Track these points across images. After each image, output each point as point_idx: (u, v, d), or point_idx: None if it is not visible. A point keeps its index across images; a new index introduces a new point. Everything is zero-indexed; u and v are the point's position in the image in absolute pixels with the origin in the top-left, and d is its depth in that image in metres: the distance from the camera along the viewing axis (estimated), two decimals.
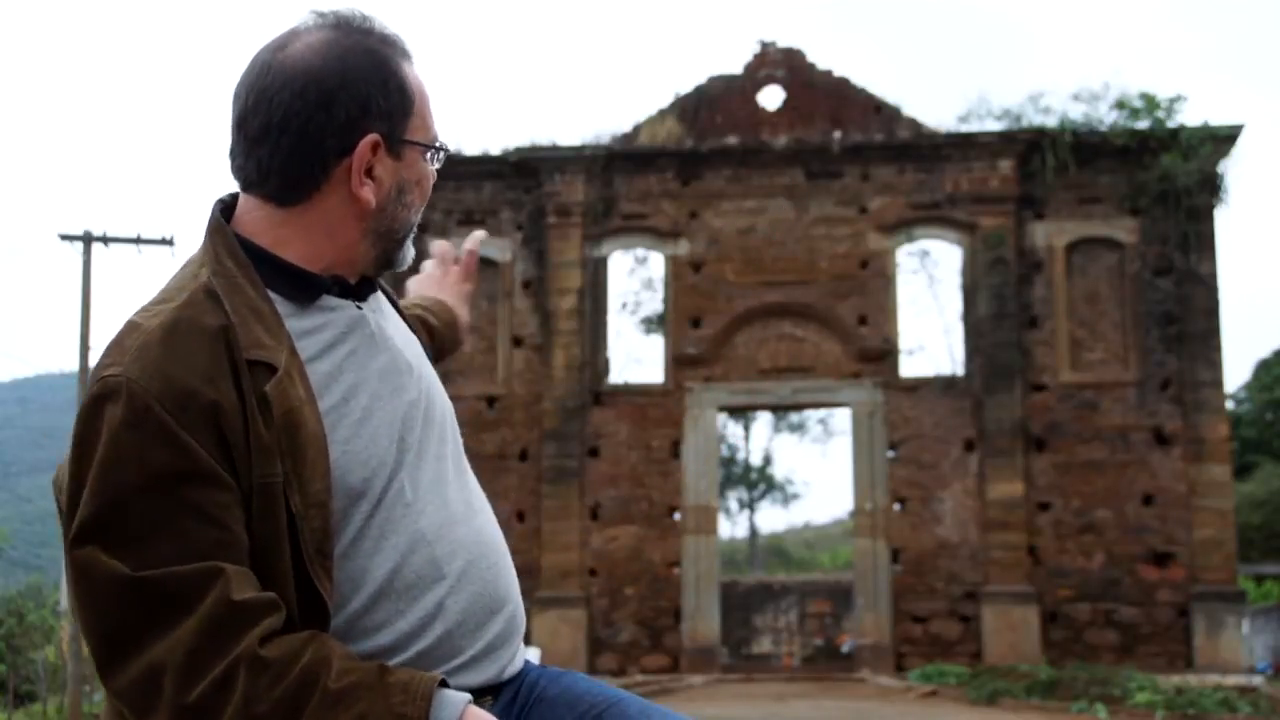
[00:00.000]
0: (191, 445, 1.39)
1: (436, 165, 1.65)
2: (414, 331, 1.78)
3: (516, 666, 1.67)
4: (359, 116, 1.53)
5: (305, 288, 1.56)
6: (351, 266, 1.60)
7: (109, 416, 1.39)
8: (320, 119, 1.52)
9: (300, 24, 1.58)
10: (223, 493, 1.40)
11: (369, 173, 1.55)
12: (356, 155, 1.54)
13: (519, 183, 20.51)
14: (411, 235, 1.65)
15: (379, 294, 1.70)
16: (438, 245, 2.23)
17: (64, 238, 19.32)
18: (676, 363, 19.86)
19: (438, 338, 2.06)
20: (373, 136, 1.54)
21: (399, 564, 1.52)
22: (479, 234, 2.24)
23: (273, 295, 1.53)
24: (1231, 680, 16.31)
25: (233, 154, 1.57)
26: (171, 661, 1.34)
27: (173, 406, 1.39)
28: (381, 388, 1.56)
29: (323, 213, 1.56)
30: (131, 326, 1.47)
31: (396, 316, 1.74)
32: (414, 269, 1.95)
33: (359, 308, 1.60)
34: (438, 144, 1.63)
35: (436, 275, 2.19)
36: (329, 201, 1.56)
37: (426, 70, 1.68)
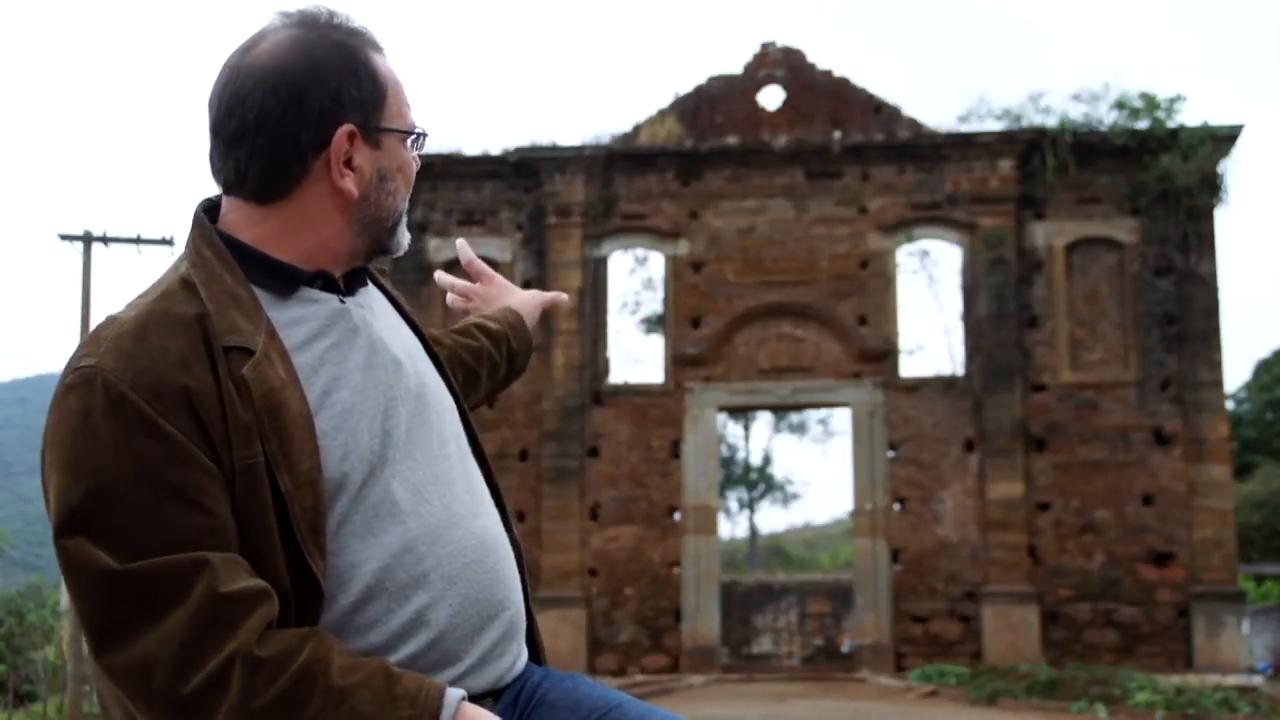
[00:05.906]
0: (170, 430, 1.38)
1: (418, 151, 1.65)
2: (420, 331, 1.76)
3: (517, 670, 1.66)
4: (332, 108, 1.53)
5: (284, 279, 1.54)
6: (338, 258, 1.59)
7: (84, 406, 1.38)
8: (293, 114, 1.51)
9: (266, 25, 1.57)
10: (204, 476, 1.39)
11: (348, 163, 1.55)
12: (334, 147, 1.53)
13: (519, 183, 20.51)
14: (402, 221, 1.64)
15: (370, 288, 1.68)
16: (442, 279, 2.34)
17: (64, 238, 19.31)
18: (676, 363, 19.86)
19: (509, 340, 2.18)
20: (348, 127, 1.54)
21: (389, 563, 1.50)
22: (462, 243, 2.29)
23: (254, 288, 1.52)
24: (1231, 680, 16.31)
25: (211, 160, 1.57)
26: (162, 656, 1.33)
27: (148, 393, 1.38)
28: (363, 382, 1.54)
29: (303, 207, 1.55)
30: (109, 320, 1.47)
31: (391, 312, 1.71)
32: (431, 266, 1.94)
33: (342, 301, 1.58)
34: (416, 130, 1.63)
35: (488, 292, 2.30)
36: (310, 195, 1.55)
37: (405, 64, 1.71)
